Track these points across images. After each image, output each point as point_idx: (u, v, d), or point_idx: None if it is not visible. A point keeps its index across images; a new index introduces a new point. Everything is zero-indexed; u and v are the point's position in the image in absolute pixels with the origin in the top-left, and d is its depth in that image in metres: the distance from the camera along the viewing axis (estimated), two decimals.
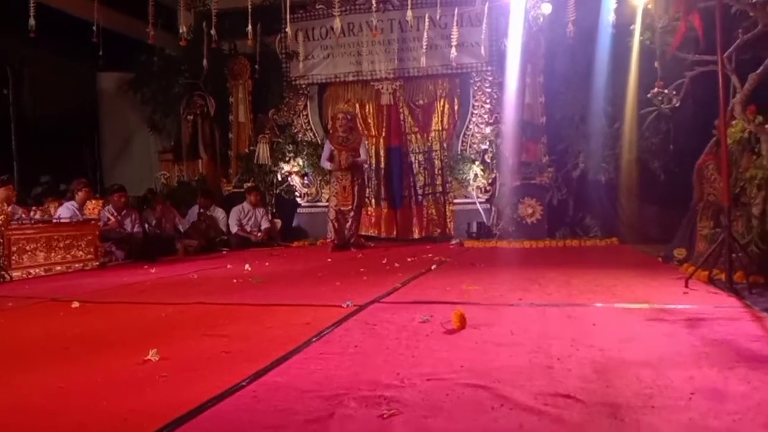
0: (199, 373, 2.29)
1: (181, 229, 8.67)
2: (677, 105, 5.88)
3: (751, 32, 4.74)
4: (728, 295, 3.53)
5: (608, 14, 7.07)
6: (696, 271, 4.02)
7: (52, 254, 6.25)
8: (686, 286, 3.86)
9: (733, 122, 4.72)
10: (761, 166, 4.25)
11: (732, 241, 3.74)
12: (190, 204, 9.26)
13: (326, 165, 7.98)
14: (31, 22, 6.58)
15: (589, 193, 8.11)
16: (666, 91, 5.82)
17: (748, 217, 4.27)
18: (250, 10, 7.56)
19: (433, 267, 5.59)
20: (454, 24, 7.99)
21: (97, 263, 6.68)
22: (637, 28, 6.22)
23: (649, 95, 5.99)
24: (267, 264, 6.45)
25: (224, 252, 8.35)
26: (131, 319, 3.55)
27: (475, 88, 9.23)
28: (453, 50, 7.93)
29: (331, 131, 8.74)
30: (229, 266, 6.30)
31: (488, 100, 9.13)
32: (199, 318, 3.44)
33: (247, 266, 5.94)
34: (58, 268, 6.26)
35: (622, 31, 6.90)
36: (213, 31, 8.11)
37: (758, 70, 4.64)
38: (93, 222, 6.86)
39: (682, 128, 7.05)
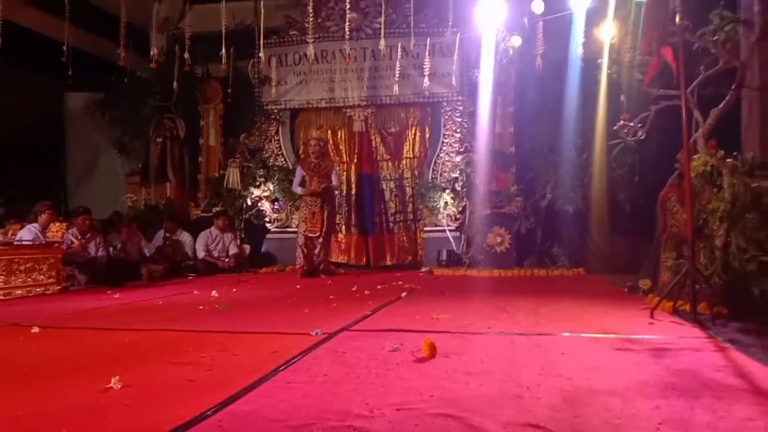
0: (163, 401, 2.23)
1: (147, 254, 8.49)
2: (642, 138, 6.01)
3: (713, 69, 4.91)
4: (692, 325, 3.59)
5: (576, 48, 7.27)
6: (661, 301, 4.08)
7: (12, 278, 6.08)
8: (652, 316, 3.92)
9: (696, 156, 4.85)
10: (722, 199, 4.36)
11: (696, 273, 3.82)
12: (156, 228, 9.10)
13: (298, 190, 7.96)
14: None
15: (557, 222, 8.22)
16: (632, 124, 5.96)
17: (711, 249, 4.36)
18: (223, 34, 7.58)
19: (403, 294, 5.58)
20: (427, 54, 8.13)
21: (59, 287, 6.50)
22: (605, 62, 6.39)
23: (615, 128, 6.13)
24: (234, 290, 6.36)
25: (191, 277, 8.21)
26: (93, 345, 3.45)
27: (446, 117, 9.35)
28: (426, 79, 8.07)
29: (302, 157, 8.74)
30: (195, 292, 6.19)
31: (459, 129, 9.25)
32: (163, 345, 3.35)
33: (214, 292, 5.84)
34: (18, 292, 6.08)
35: (590, 65, 7.09)
36: (186, 54, 8.09)
37: (720, 106, 4.79)
38: (56, 245, 6.69)
39: (647, 160, 7.21)
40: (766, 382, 2.35)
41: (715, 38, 4.78)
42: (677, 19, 4.15)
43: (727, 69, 4.79)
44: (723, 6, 4.79)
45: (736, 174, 4.44)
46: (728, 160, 4.57)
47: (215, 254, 8.86)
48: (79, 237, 7.36)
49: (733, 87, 4.71)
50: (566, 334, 3.46)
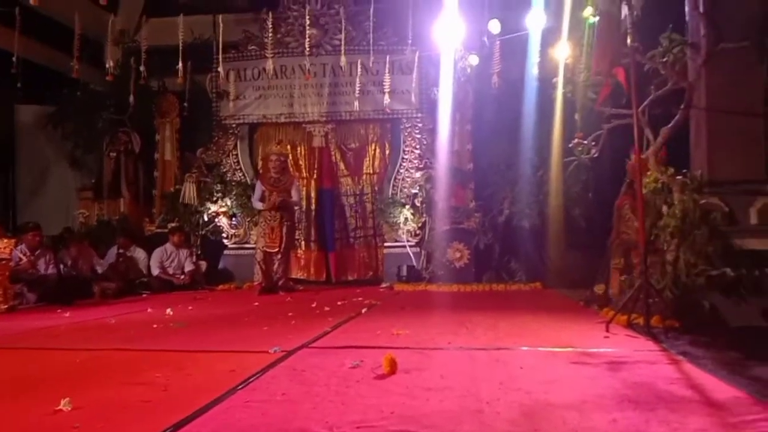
0: (115, 423, 2.15)
1: (99, 271, 8.25)
2: (596, 155, 6.17)
3: (663, 89, 5.09)
4: (646, 339, 3.67)
5: (532, 68, 7.44)
6: (616, 315, 4.16)
7: None
8: (607, 330, 3.99)
9: (648, 173, 5.00)
10: (673, 216, 4.50)
11: (648, 287, 3.92)
12: (109, 244, 8.85)
13: (258, 205, 7.87)
14: None
15: (515, 238, 8.34)
16: (585, 142, 6.11)
17: (663, 264, 4.49)
18: (181, 48, 7.50)
19: (363, 311, 5.55)
20: (386, 71, 8.20)
21: (6, 306, 6.24)
22: (560, 81, 6.55)
23: (570, 145, 6.28)
24: (190, 308, 6.22)
25: (145, 295, 7.99)
26: (41, 366, 3.31)
27: (406, 133, 9.42)
28: (386, 96, 8.14)
29: (262, 172, 8.66)
30: (149, 310, 6.03)
31: (418, 146, 9.33)
32: (116, 365, 3.25)
33: (168, 310, 5.71)
34: None
35: (545, 84, 7.26)
36: (142, 67, 7.97)
37: (669, 125, 4.96)
38: (3, 262, 6.44)
39: (600, 177, 7.41)
40: (717, 393, 2.41)
41: (664, 60, 4.95)
42: (628, 41, 4.29)
43: (676, 89, 4.97)
44: (672, 29, 4.97)
45: (685, 191, 4.59)
46: (678, 177, 4.73)
47: (170, 271, 8.65)
48: (28, 254, 7.11)
49: (682, 107, 4.88)
50: (524, 348, 3.50)
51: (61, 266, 7.56)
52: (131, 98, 8.59)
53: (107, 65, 7.85)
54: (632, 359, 3.11)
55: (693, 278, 4.22)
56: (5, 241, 6.82)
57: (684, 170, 4.82)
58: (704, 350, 3.29)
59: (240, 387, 2.62)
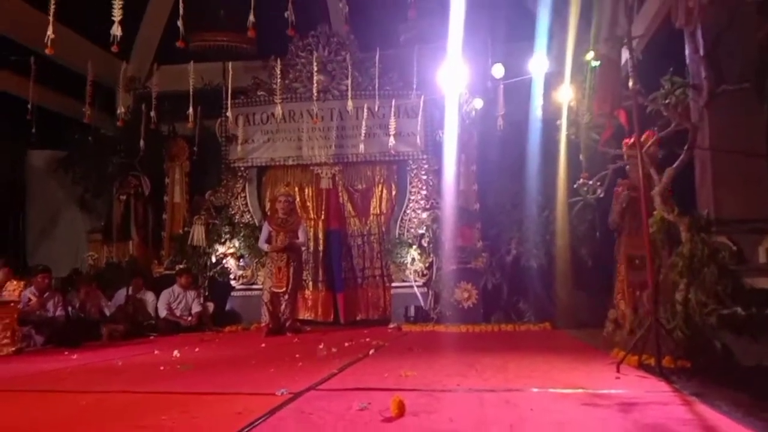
0: None
1: (107, 313, 8.26)
2: (602, 195, 6.19)
3: (666, 130, 5.14)
4: (658, 379, 3.62)
5: (536, 110, 7.54)
6: (626, 356, 4.11)
7: None
8: (618, 371, 3.94)
9: (654, 213, 5.01)
10: (682, 255, 4.49)
11: (659, 327, 3.88)
12: (117, 286, 8.89)
13: (264, 247, 7.90)
14: None
15: (523, 277, 8.31)
16: (591, 182, 6.15)
17: (673, 303, 4.46)
18: (191, 94, 7.66)
19: (370, 352, 5.51)
20: (392, 114, 8.36)
21: (14, 349, 6.24)
22: (563, 123, 6.62)
23: (575, 186, 6.31)
24: (197, 350, 6.19)
25: (152, 337, 7.98)
26: (48, 409, 3.30)
27: (412, 174, 9.50)
28: (391, 139, 8.28)
29: (270, 213, 8.73)
30: (156, 352, 6.01)
31: (424, 187, 9.40)
32: (122, 408, 3.23)
33: (175, 352, 5.68)
34: None
35: (549, 126, 7.34)
36: (152, 113, 8.14)
37: (674, 165, 4.99)
38: (11, 304, 6.46)
39: (607, 217, 7.42)
40: None
41: (666, 102, 5.01)
42: (630, 84, 4.36)
43: (680, 130, 5.02)
44: (672, 72, 5.05)
45: (692, 230, 4.59)
46: (685, 217, 4.73)
47: (178, 313, 8.65)
48: (37, 295, 7.14)
49: (685, 147, 4.92)
50: (535, 389, 3.45)
51: (69, 309, 7.58)
52: (141, 143, 8.75)
53: (118, 111, 8.05)
54: (644, 400, 3.07)
55: (704, 318, 4.18)
56: (14, 283, 6.88)
57: (690, 210, 4.83)
58: (717, 391, 3.24)
59: (246, 430, 2.60)
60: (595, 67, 5.33)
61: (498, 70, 7.34)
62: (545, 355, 5.01)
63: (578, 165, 6.35)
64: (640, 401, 3.05)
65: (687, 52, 5.12)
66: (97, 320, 7.95)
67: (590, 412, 2.86)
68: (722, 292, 4.20)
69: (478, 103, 8.35)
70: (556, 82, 6.94)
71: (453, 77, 7.54)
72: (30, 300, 6.99)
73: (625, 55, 4.90)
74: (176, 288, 8.79)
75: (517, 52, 7.87)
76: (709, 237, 4.48)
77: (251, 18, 5.19)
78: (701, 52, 4.85)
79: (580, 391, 3.36)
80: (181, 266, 9.19)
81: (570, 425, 2.56)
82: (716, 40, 4.80)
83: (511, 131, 8.03)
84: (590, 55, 5.55)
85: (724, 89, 4.70)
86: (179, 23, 5.10)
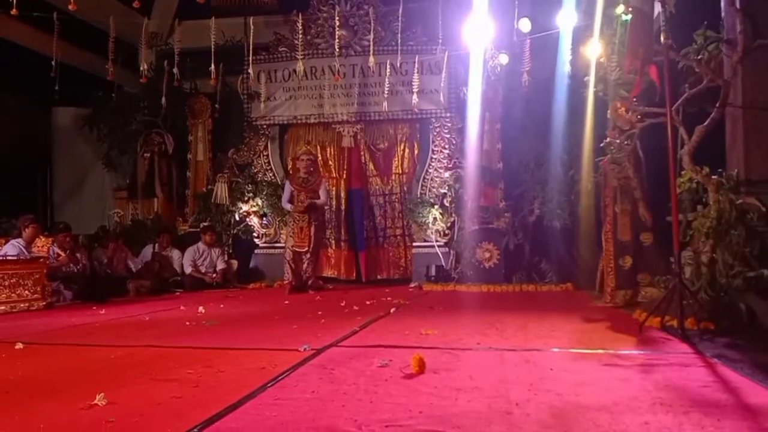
0: (148, 418, 2.20)
1: (134, 269, 8.43)
2: None
3: (697, 87, 4.97)
4: (680, 341, 3.60)
5: (563, 66, 7.35)
6: (649, 317, 4.09)
7: None
8: (640, 331, 3.93)
9: (682, 172, 4.91)
10: (708, 216, 4.40)
11: (683, 288, 3.84)
12: (143, 243, 9.05)
13: (287, 206, 7.94)
14: None
15: (545, 238, 8.24)
16: (618, 140, 6.01)
17: (698, 265, 4.40)
18: (213, 50, 7.60)
19: (392, 310, 5.56)
20: (415, 71, 8.22)
21: (44, 303, 6.41)
22: (591, 79, 6.45)
23: (602, 144, 6.18)
24: (222, 306, 6.31)
25: (178, 293, 8.14)
26: (78, 361, 3.40)
27: (435, 133, 9.39)
28: (414, 96, 8.16)
29: (291, 172, 8.74)
30: (182, 308, 6.14)
31: (447, 146, 9.29)
32: (149, 361, 3.32)
33: (201, 308, 5.80)
34: (2, 308, 5.99)
35: (576, 82, 7.16)
36: (175, 70, 8.11)
37: (704, 123, 4.85)
38: (41, 260, 6.62)
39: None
40: (753, 397, 2.36)
41: (699, 57, 4.84)
42: (662, 38, 4.21)
43: (712, 87, 4.86)
44: (706, 26, 4.87)
45: (721, 191, 4.49)
46: (713, 177, 4.63)
47: (203, 270, 8.78)
48: (63, 251, 7.29)
49: (717, 105, 4.77)
50: (555, 349, 3.46)
51: (96, 264, 7.74)
52: (164, 100, 8.75)
53: (141, 68, 8.01)
54: (665, 362, 3.06)
55: (730, 280, 4.13)
56: (43, 239, 7.02)
57: (719, 170, 4.71)
58: (740, 353, 3.22)
59: (270, 384, 2.65)
60: (626, 21, 5.15)
61: (524, 25, 7.14)
62: (566, 315, 5.02)
63: (605, 123, 6.21)
64: (661, 362, 3.04)
65: (722, 4, 4.92)
66: (124, 276, 8.13)
67: (610, 371, 2.86)
68: (749, 254, 4.13)
69: (504, 59, 8.15)
70: (585, 36, 6.73)
71: (478, 32, 7.35)
72: (58, 255, 7.14)
73: (657, 8, 4.72)
74: (201, 245, 8.91)
75: (545, 5, 7.61)
76: (737, 198, 4.38)
77: None
78: (737, 5, 4.66)
79: (600, 351, 3.36)
80: (206, 224, 9.29)
81: (590, 385, 2.57)
82: None
83: (537, 88, 7.85)
84: (620, 8, 5.36)
85: (759, 44, 4.52)
86: None
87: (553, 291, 7.57)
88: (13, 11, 4.66)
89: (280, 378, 2.78)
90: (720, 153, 4.95)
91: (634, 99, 5.47)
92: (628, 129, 5.57)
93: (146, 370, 3.05)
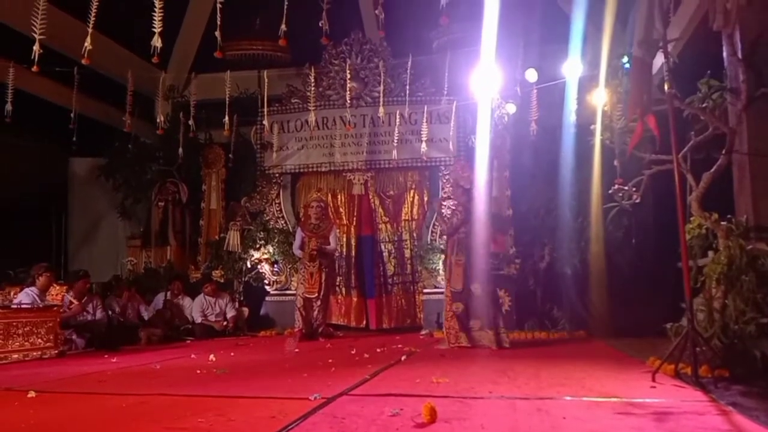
0: None
1: (145, 317, 8.46)
2: (638, 201, 6.10)
3: (703, 134, 5.04)
4: (694, 389, 3.56)
5: (570, 115, 7.47)
6: (662, 365, 4.05)
7: (10, 342, 6.03)
8: (653, 380, 3.89)
9: (691, 218, 4.93)
10: (719, 262, 4.40)
11: (696, 336, 3.82)
12: (156, 291, 9.10)
13: (298, 253, 8.01)
14: (8, 107, 6.70)
15: (557, 284, 8.20)
16: (626, 187, 6.06)
17: (710, 311, 4.37)
18: (227, 102, 7.82)
19: (402, 358, 5.53)
20: (424, 120, 8.37)
21: (56, 352, 6.43)
22: (598, 128, 6.54)
23: (610, 191, 6.23)
24: (232, 354, 6.30)
25: (189, 341, 8.14)
26: (90, 410, 3.41)
27: (444, 180, 9.48)
28: (423, 145, 8.29)
29: (303, 219, 8.83)
30: (193, 356, 6.13)
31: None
32: (160, 410, 3.32)
33: (211, 356, 5.79)
34: (15, 356, 6.02)
35: (583, 131, 7.26)
36: (190, 121, 8.32)
37: (711, 170, 4.90)
38: (54, 308, 6.66)
39: (643, 223, 7.30)
40: None
41: (704, 105, 4.93)
42: (665, 87, 4.30)
43: (717, 134, 4.92)
44: (710, 75, 4.97)
45: (731, 237, 4.50)
46: (722, 223, 4.64)
47: (212, 318, 8.79)
48: (77, 299, 7.34)
49: (723, 152, 4.82)
50: (568, 398, 3.43)
51: (109, 313, 7.78)
52: (180, 150, 8.95)
53: (157, 119, 8.24)
54: (680, 410, 3.02)
55: (742, 326, 4.09)
56: (57, 288, 7.09)
57: (728, 216, 4.73)
58: (756, 401, 3.18)
59: None
60: (627, 70, 5.27)
61: (531, 75, 7.30)
62: (579, 363, 4.96)
63: (613, 170, 6.27)
64: (675, 410, 3.00)
65: (725, 54, 5.03)
66: (136, 324, 8.15)
67: (624, 420, 2.83)
68: (761, 300, 4.11)
69: (511, 108, 8.30)
70: (591, 86, 6.88)
71: (485, 82, 7.51)
72: (71, 303, 7.20)
73: (660, 58, 4.83)
74: (204, 296, 8.92)
75: (551, 55, 7.80)
76: (747, 243, 4.38)
77: (283, 27, 5.25)
78: (739, 55, 4.76)
79: (614, 399, 3.32)
80: (217, 272, 9.34)
81: None
82: (755, 43, 4.71)
83: (545, 136, 7.97)
84: (625, 58, 5.49)
85: (762, 92, 4.60)
86: (217, 34, 5.19)
87: (566, 338, 7.49)
88: (35, 68, 4.85)
89: (290, 427, 2.77)
90: (728, 199, 4.98)
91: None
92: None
93: (158, 419, 3.05)
